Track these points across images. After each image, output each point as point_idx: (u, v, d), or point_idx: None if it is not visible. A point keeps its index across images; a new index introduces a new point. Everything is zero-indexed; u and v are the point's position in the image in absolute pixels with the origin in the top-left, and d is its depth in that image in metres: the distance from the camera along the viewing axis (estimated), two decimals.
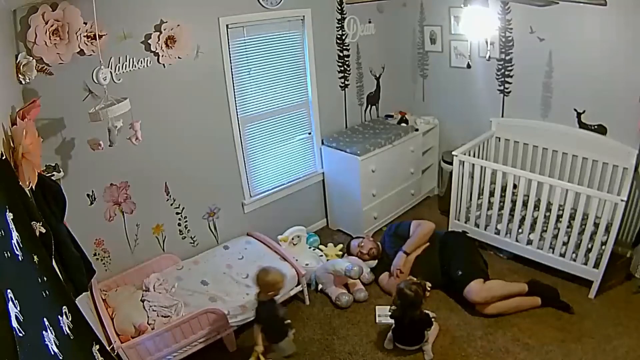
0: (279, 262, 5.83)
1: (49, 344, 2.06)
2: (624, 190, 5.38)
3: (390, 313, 5.19)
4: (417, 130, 7.67)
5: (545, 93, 6.58)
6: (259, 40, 6.17)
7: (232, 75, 5.96)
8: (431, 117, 8.08)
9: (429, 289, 5.28)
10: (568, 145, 6.46)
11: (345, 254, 6.78)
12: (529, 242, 6.15)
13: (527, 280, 5.76)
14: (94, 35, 4.41)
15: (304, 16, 6.51)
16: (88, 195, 5.13)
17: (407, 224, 6.48)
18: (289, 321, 4.95)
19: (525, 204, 6.11)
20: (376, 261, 6.44)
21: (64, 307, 2.60)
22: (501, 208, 6.36)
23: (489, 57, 6.81)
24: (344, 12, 7.02)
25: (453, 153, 6.57)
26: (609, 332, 5.13)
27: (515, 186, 6.23)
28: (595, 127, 6.20)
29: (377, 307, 5.81)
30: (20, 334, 1.72)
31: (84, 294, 4.11)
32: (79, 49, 4.50)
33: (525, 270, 6.25)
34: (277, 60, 6.48)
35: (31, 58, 4.07)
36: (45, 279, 2.45)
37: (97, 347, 2.99)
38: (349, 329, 5.53)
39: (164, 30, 5.08)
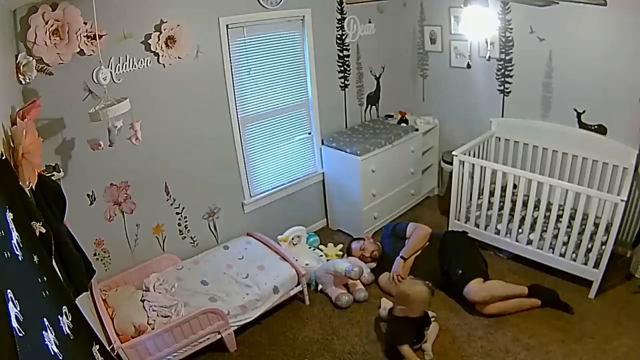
0: (279, 262, 5.86)
1: (49, 344, 2.06)
2: (624, 190, 5.38)
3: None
4: (417, 130, 7.67)
5: (545, 93, 6.59)
6: (259, 40, 6.18)
7: (232, 75, 5.96)
8: (431, 117, 8.08)
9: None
10: (568, 145, 6.46)
11: (346, 255, 6.78)
12: (529, 242, 6.15)
13: (527, 284, 5.72)
14: (94, 35, 4.41)
15: (304, 16, 6.52)
16: (88, 195, 5.13)
17: (404, 225, 6.50)
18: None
19: (525, 204, 6.11)
20: (375, 262, 6.46)
21: (64, 307, 2.60)
22: (501, 208, 6.36)
23: (489, 57, 6.79)
24: (344, 12, 7.03)
25: (453, 153, 6.56)
26: (609, 332, 5.13)
27: (515, 186, 6.23)
28: (595, 127, 6.20)
29: (382, 298, 5.81)
30: (20, 334, 1.72)
31: (84, 294, 4.12)
32: (79, 49, 4.51)
33: (525, 270, 6.26)
34: (277, 60, 6.48)
35: (31, 58, 4.07)
36: (45, 279, 2.45)
37: (97, 347, 2.99)
38: (349, 329, 5.53)
39: (164, 30, 5.09)
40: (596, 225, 5.62)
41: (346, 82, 7.47)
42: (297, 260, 6.04)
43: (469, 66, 7.27)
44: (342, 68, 7.34)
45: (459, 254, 6.02)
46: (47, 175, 4.16)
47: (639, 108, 5.66)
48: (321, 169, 7.44)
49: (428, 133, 8.02)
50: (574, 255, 5.73)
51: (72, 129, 4.75)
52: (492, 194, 6.37)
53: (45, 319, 2.16)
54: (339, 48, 7.19)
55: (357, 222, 7.26)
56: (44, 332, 2.08)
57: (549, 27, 6.25)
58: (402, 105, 8.35)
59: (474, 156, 6.76)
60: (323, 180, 7.55)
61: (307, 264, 6.30)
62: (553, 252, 5.93)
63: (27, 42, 4.19)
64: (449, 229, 6.93)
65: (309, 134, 7.23)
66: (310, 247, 6.92)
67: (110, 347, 4.31)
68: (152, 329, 4.80)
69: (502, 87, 7.07)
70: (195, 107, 5.72)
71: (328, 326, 5.61)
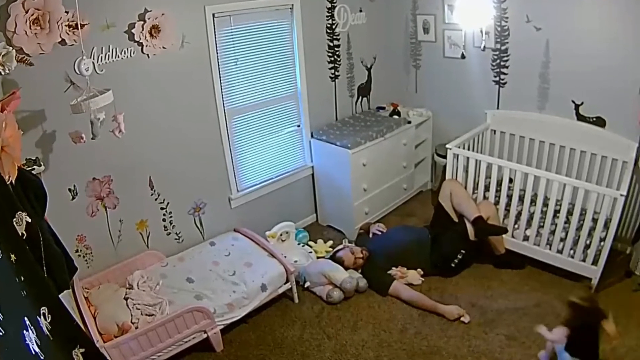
0: (267, 259, 5.87)
1: (29, 343, 2.07)
2: (624, 184, 5.39)
3: None
4: (409, 122, 7.68)
5: (542, 84, 6.60)
6: (246, 29, 6.17)
7: (218, 66, 5.96)
8: (424, 109, 8.08)
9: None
10: (566, 138, 6.48)
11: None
12: (526, 239, 6.17)
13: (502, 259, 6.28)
14: (76, 24, 4.41)
15: (292, 5, 6.51)
16: (70, 189, 5.12)
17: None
18: None
19: (521, 199, 6.15)
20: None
21: (43, 308, 2.60)
22: (497, 203, 6.38)
23: (484, 47, 6.83)
24: (334, 1, 7.04)
25: (447, 146, 6.56)
26: None
27: (511, 180, 6.23)
28: (594, 119, 6.22)
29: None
30: (0, 333, 1.73)
31: (65, 292, 4.12)
32: (60, 39, 4.49)
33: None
34: (265, 50, 6.48)
35: (11, 48, 4.04)
36: (22, 278, 2.45)
37: (82, 350, 2.99)
38: (339, 328, 5.55)
39: (148, 19, 5.08)
40: (595, 220, 5.63)
41: (336, 73, 7.48)
42: (285, 256, 6.04)
43: (463, 56, 7.29)
44: (332, 58, 7.35)
45: (447, 231, 6.32)
46: (28, 169, 4.15)
47: (639, 99, 5.69)
48: (310, 162, 7.45)
49: (421, 125, 8.04)
50: (571, 251, 5.76)
51: (54, 121, 4.74)
52: (487, 188, 6.40)
53: (26, 318, 2.17)
54: (329, 38, 7.19)
55: (348, 218, 7.26)
56: (24, 331, 2.09)
57: (545, 16, 6.25)
58: (394, 96, 8.36)
59: (468, 149, 6.76)
60: (312, 175, 7.55)
61: (296, 261, 6.32)
62: (550, 249, 5.95)
63: (6, 31, 4.17)
64: None
65: (298, 126, 7.23)
66: (299, 244, 6.93)
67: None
68: (136, 328, 4.79)
69: (497, 78, 7.08)
70: (180, 99, 5.72)
71: (317, 325, 5.63)
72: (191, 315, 4.99)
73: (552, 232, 5.94)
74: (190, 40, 5.59)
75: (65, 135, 4.64)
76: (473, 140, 6.98)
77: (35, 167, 4.46)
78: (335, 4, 7.07)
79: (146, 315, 4.96)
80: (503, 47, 6.83)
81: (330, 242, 7.10)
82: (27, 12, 4.20)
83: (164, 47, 5.32)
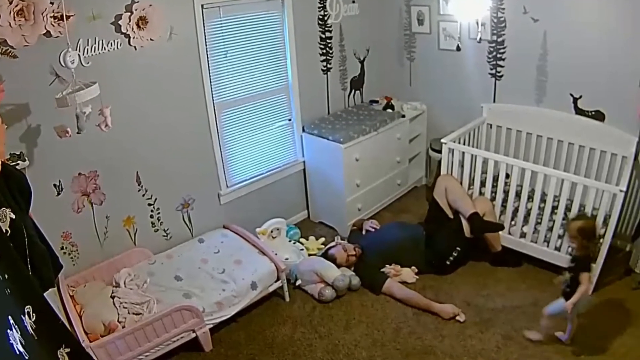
0: (258, 257, 5.87)
1: (14, 343, 2.07)
2: (623, 180, 5.40)
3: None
4: (403, 116, 7.69)
5: (540, 77, 6.61)
6: (236, 21, 6.16)
7: (207, 58, 5.95)
8: (419, 103, 8.08)
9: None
10: (564, 133, 6.49)
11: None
12: (522, 235, 6.18)
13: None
14: (61, 15, 4.40)
15: None
16: (55, 185, 5.11)
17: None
18: None
19: (518, 195, 6.13)
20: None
21: (28, 307, 2.60)
22: (493, 199, 6.39)
23: (480, 39, 6.84)
24: None
25: (442, 140, 6.56)
26: (607, 330, 5.14)
27: (507, 176, 6.24)
28: (593, 113, 6.23)
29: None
30: None
31: (50, 290, 4.11)
32: (45, 31, 4.47)
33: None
34: (256, 42, 6.47)
35: None
36: (6, 276, 2.45)
37: (67, 350, 2.98)
38: (331, 327, 5.56)
39: (135, 10, 5.06)
40: (594, 217, 5.58)
41: (328, 66, 7.49)
42: (276, 254, 6.04)
43: (458, 49, 7.31)
44: (324, 51, 7.35)
45: (442, 228, 6.35)
46: (12, 164, 4.15)
47: (639, 93, 5.70)
48: (302, 157, 7.45)
49: (415, 119, 8.04)
50: (570, 249, 5.73)
51: (38, 115, 4.73)
52: (483, 184, 6.40)
53: (10, 317, 2.17)
54: (320, 29, 7.19)
55: (340, 214, 7.27)
56: (8, 330, 2.09)
57: (543, 7, 6.25)
58: (388, 90, 8.36)
59: (464, 144, 6.77)
60: (304, 170, 7.55)
61: (287, 258, 6.31)
62: (548, 246, 5.96)
63: None
64: None
65: (289, 120, 7.23)
66: (290, 241, 6.94)
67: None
68: (123, 327, 4.78)
69: (493, 71, 7.09)
70: (168, 92, 5.70)
71: (309, 324, 5.63)
72: (179, 314, 4.98)
73: (550, 229, 5.94)
74: (179, 32, 5.58)
75: (51, 130, 4.63)
76: (469, 134, 6.97)
77: (19, 162, 4.45)
78: None
79: (133, 314, 4.95)
80: (499, 39, 6.83)
81: (322, 239, 7.10)
82: (11, 3, 4.18)
83: (151, 39, 5.31)
